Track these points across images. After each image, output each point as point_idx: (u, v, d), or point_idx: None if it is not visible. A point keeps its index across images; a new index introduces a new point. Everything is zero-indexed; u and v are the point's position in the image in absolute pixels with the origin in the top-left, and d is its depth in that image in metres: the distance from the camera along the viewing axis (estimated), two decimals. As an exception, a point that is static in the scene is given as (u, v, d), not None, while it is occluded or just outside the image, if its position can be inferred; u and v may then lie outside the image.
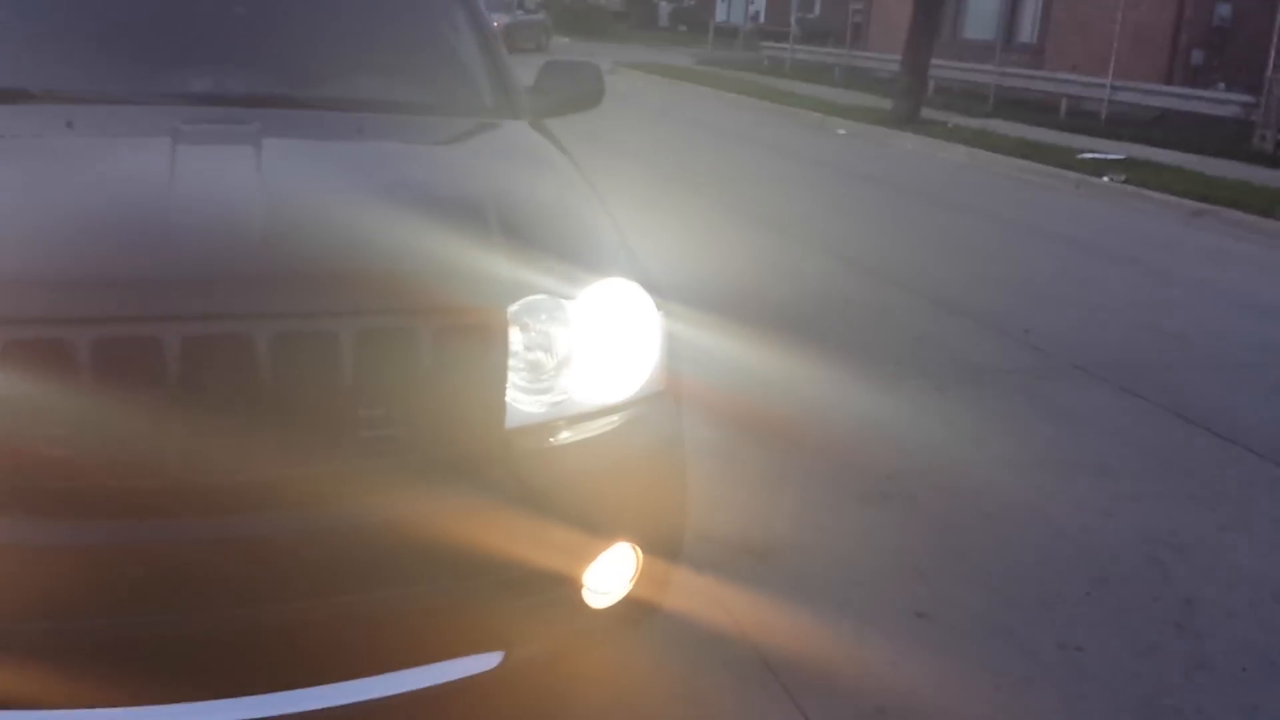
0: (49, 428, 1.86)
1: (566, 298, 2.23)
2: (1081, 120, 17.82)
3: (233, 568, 1.94)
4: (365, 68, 3.34)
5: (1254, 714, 2.73)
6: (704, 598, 3.00)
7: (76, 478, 1.88)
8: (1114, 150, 14.40)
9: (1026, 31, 22.04)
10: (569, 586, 2.24)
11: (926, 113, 17.38)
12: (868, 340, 5.67)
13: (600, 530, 2.24)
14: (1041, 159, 13.80)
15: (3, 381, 1.84)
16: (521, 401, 2.19)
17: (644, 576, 2.35)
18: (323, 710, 2.06)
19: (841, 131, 17.19)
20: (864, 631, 2.95)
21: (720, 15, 50.38)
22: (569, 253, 2.34)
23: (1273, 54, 14.39)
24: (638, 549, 2.32)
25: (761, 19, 48.83)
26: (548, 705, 2.58)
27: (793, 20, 32.16)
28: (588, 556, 2.24)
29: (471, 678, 2.17)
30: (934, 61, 17.95)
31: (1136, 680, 2.84)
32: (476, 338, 2.10)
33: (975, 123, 17.20)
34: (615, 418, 2.30)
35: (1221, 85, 17.17)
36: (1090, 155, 13.86)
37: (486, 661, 2.19)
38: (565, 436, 2.23)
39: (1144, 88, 17.33)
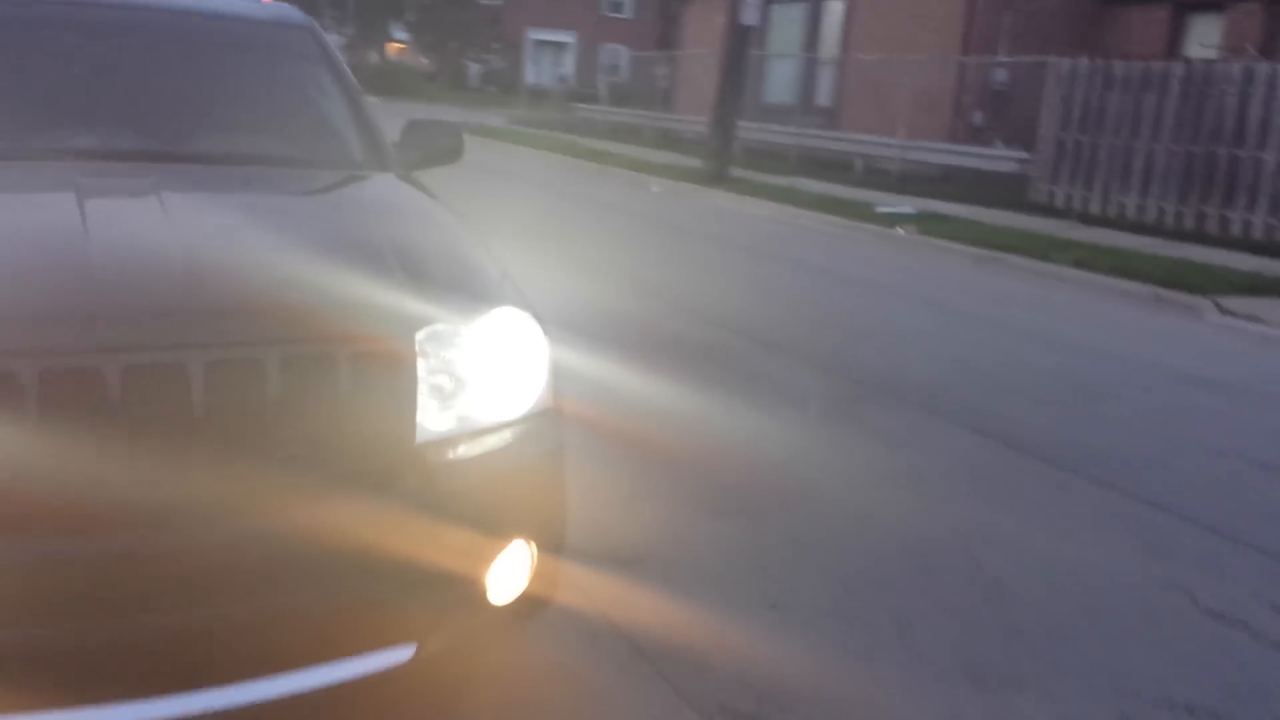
0: (14, 447, 2.02)
1: (464, 326, 2.52)
2: (876, 177, 19.07)
3: (166, 575, 2.13)
4: (242, 126, 3.56)
5: (1063, 670, 3.20)
6: (582, 597, 3.29)
7: (20, 498, 2.04)
8: (906, 204, 15.51)
9: (823, 96, 23.42)
10: (474, 584, 2.50)
11: (735, 171, 18.27)
12: (702, 373, 6.09)
13: (500, 530, 2.52)
14: (842, 213, 14.76)
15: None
16: (428, 419, 2.45)
17: (538, 573, 2.63)
18: (253, 704, 2.26)
19: (656, 189, 17.89)
20: (724, 623, 3.30)
21: (530, 77, 51.27)
22: (462, 286, 2.64)
23: (1043, 115, 15.83)
24: (532, 545, 2.60)
25: (571, 81, 50.01)
26: (451, 700, 2.81)
27: (600, 83, 33.16)
28: (490, 555, 2.51)
29: (388, 670, 2.41)
30: (739, 123, 18.89)
31: (960, 647, 3.28)
32: (388, 363, 2.37)
33: (780, 180, 18.19)
34: (510, 432, 2.59)
35: (999, 143, 18.70)
36: (886, 210, 14.90)
37: (401, 655, 2.43)
38: (467, 449, 2.50)
39: (931, 146, 18.72)
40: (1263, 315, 9.41)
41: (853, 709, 2.92)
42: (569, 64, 56.22)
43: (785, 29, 25.32)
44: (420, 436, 2.43)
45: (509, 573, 2.57)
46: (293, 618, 2.27)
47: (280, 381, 2.23)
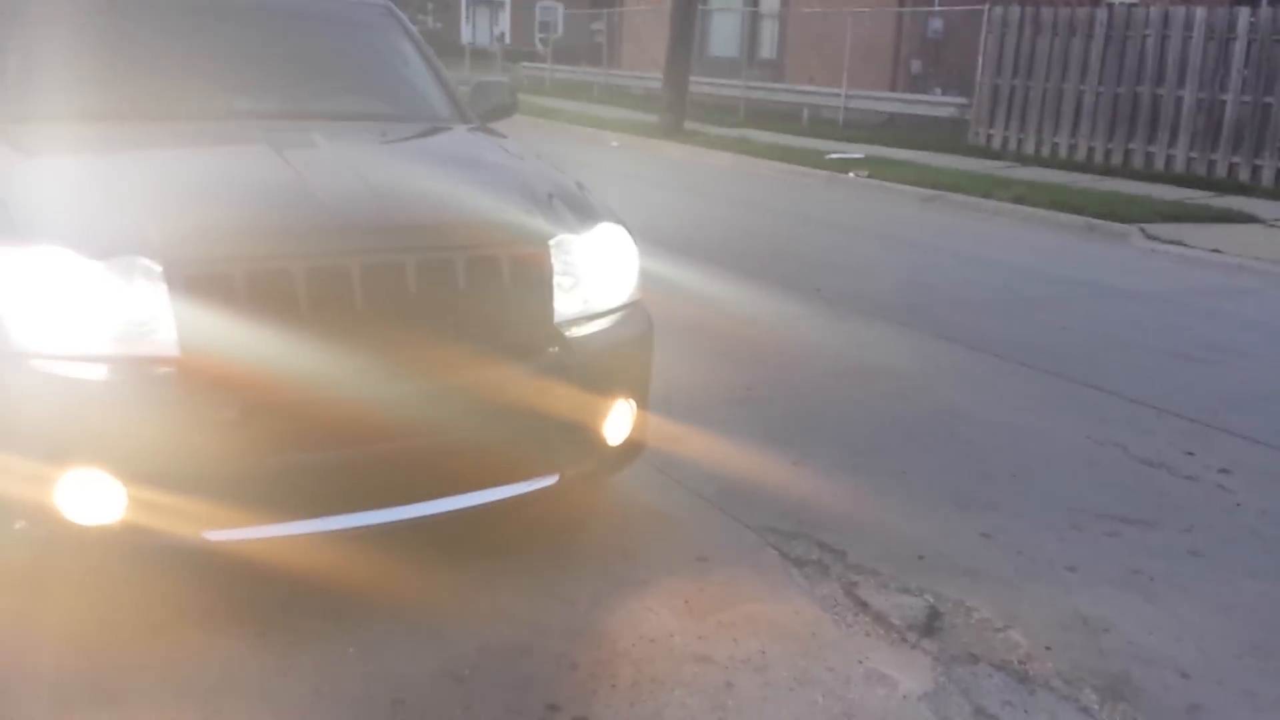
0: (290, 324, 2.82)
1: (580, 236, 3.34)
2: (822, 126, 19.97)
3: (395, 412, 2.94)
4: (352, 88, 4.35)
5: (1026, 498, 4.12)
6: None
7: (313, 350, 2.83)
8: (855, 150, 16.43)
9: (766, 49, 24.21)
10: (596, 430, 3.35)
11: (688, 124, 19.05)
12: (696, 295, 6.94)
13: (612, 389, 3.37)
14: (795, 160, 15.64)
15: (251, 298, 2.79)
16: (560, 305, 3.28)
17: (636, 424, 3.49)
18: (458, 510, 3.09)
19: (615, 144, 18.63)
20: (759, 476, 4.17)
21: (466, 36, 51.28)
22: (572, 206, 3.46)
23: (980, 62, 16.79)
24: (632, 402, 3.45)
25: (507, 40, 50.13)
26: (574, 521, 3.67)
27: (537, 40, 33.54)
28: (606, 408, 3.35)
29: (543, 489, 3.26)
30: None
31: (946, 486, 4.19)
32: (533, 263, 3.20)
33: (732, 132, 19.01)
34: (614, 316, 3.43)
35: (938, 90, 19.68)
36: (836, 155, 15.80)
37: (550, 481, 3.27)
38: (587, 328, 3.34)
39: (874, 95, 19.64)
40: (1184, 239, 10.45)
41: (870, 525, 3.81)
42: (504, 23, 56.19)
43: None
44: (556, 318, 3.26)
45: (618, 422, 3.41)
46: (479, 450, 3.10)
47: (464, 277, 3.05)
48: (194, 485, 2.78)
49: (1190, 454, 4.65)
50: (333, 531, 2.95)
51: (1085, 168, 14.86)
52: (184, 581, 3.11)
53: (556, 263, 3.27)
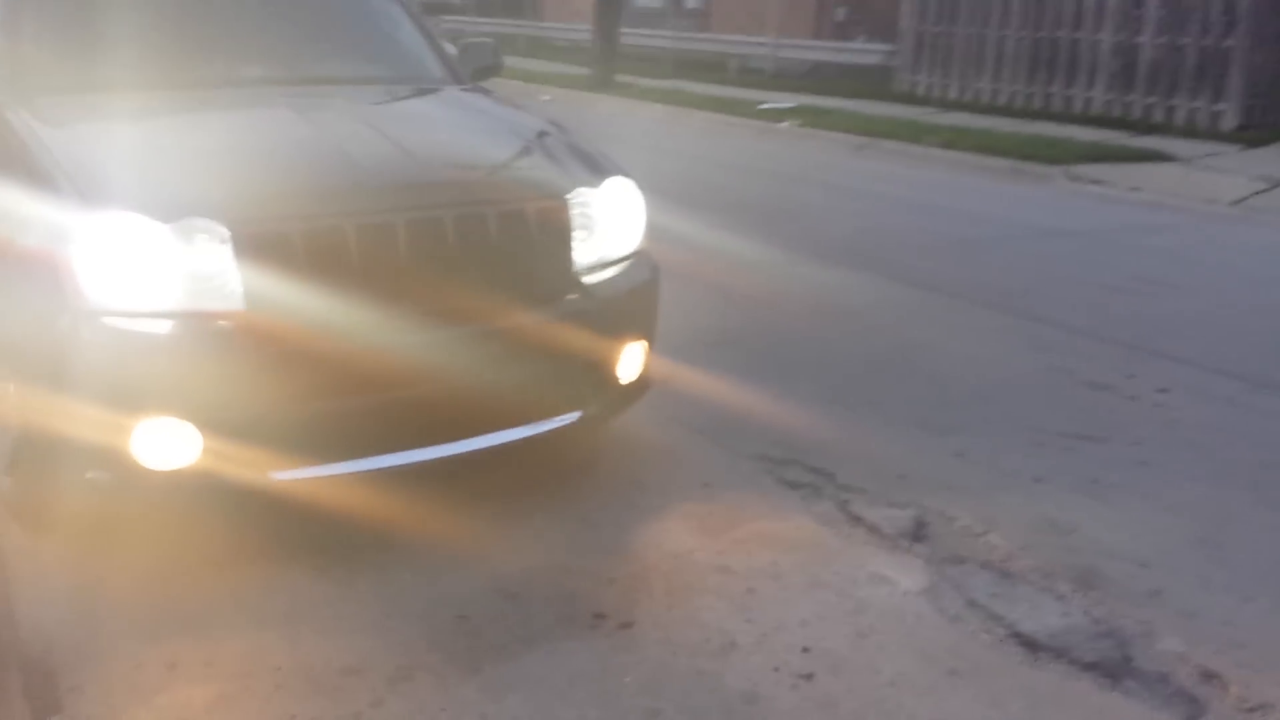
0: (342, 277, 3.06)
1: (594, 189, 3.62)
2: (750, 76, 20.22)
3: (436, 357, 3.21)
4: (355, 53, 4.56)
5: (986, 419, 4.51)
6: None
7: (363, 300, 3.08)
8: (785, 100, 16.73)
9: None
10: (611, 368, 3.65)
11: (619, 77, 19.18)
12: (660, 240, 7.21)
13: (626, 331, 3.67)
14: (728, 110, 15.91)
15: (307, 254, 3.03)
16: (578, 254, 3.56)
17: (645, 363, 3.79)
18: (493, 447, 3.38)
19: (546, 97, 18.69)
20: (745, 410, 4.51)
21: (382, -10, 50.38)
22: (584, 161, 3.74)
23: (904, 10, 17.16)
24: (644, 344, 3.76)
25: (425, -7, 49.35)
26: (590, 455, 3.97)
27: (457, -8, 33.19)
28: (620, 348, 3.66)
29: (566, 426, 3.55)
30: (618, 29, 19.75)
31: (914, 413, 4.57)
32: (555, 215, 3.47)
33: (663, 83, 19.19)
34: (626, 263, 3.72)
35: (863, 37, 20.03)
36: (768, 105, 16.11)
37: (572, 417, 3.57)
38: (603, 275, 3.63)
39: (800, 44, 19.94)
40: (1105, 179, 10.98)
41: (853, 450, 4.17)
42: (419, -27, 55.21)
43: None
44: (575, 266, 3.54)
45: (631, 362, 3.72)
46: (510, 390, 3.37)
47: (495, 228, 3.32)
48: (259, 429, 3.03)
49: (1131, 376, 5.09)
50: (384, 469, 3.22)
51: (1008, 112, 15.36)
52: (238, 524, 3.36)
53: (574, 215, 3.55)
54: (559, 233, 3.48)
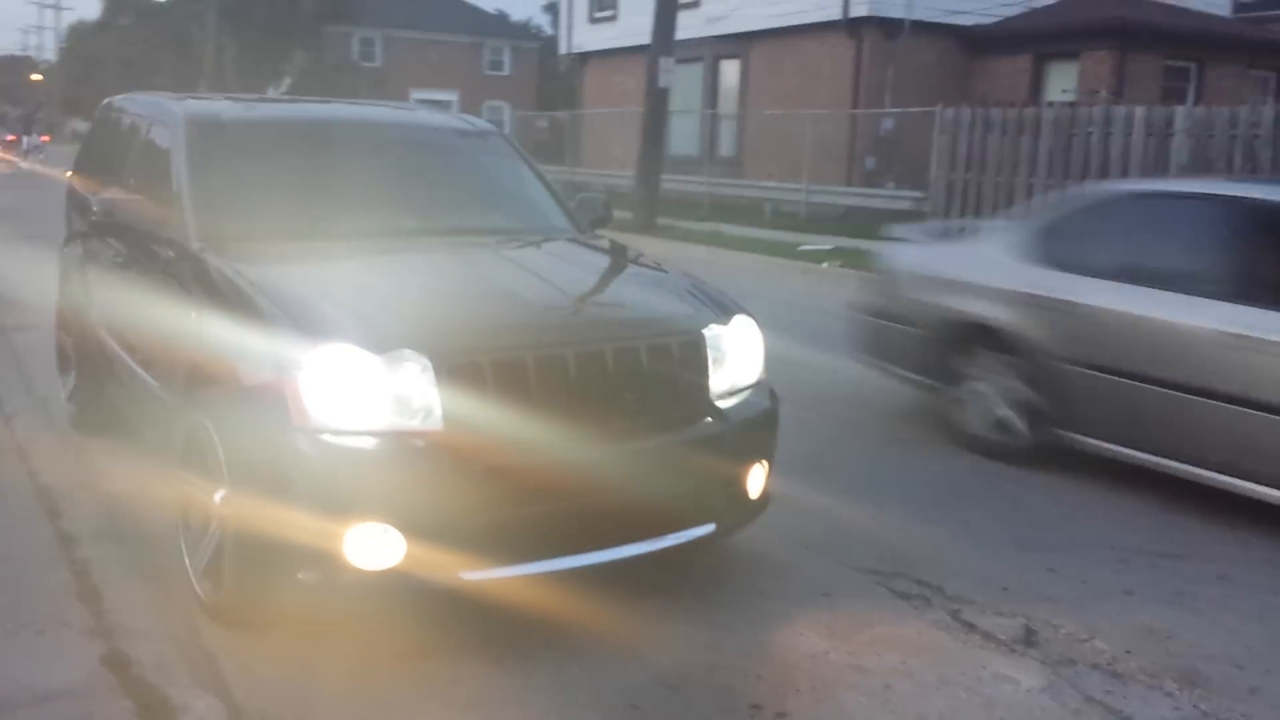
0: (523, 401, 3.50)
1: (724, 325, 4.08)
2: (784, 219, 21.04)
3: (599, 472, 3.62)
4: (494, 207, 5.08)
5: (1078, 541, 4.86)
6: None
7: (539, 421, 3.51)
8: (823, 243, 17.44)
9: (725, 147, 25.44)
10: (742, 485, 4.05)
11: (659, 219, 20.01)
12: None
13: (754, 453, 4.09)
14: (769, 252, 16.60)
15: (495, 381, 3.48)
16: (713, 383, 4.00)
17: (768, 483, 4.19)
18: (643, 555, 3.75)
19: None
20: (846, 527, 4.87)
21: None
22: (713, 300, 4.21)
23: (934, 158, 18.00)
24: (766, 464, 4.17)
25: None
26: (718, 564, 4.34)
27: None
28: (749, 467, 4.06)
29: (703, 536, 3.94)
30: (657, 175, 20.67)
31: (1005, 532, 4.92)
32: (695, 348, 3.92)
33: (703, 226, 20.01)
34: (751, 391, 4.16)
35: (891, 184, 20.89)
36: (807, 247, 16.80)
37: (709, 528, 3.96)
38: (734, 401, 4.06)
39: (833, 190, 20.81)
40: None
41: (954, 564, 4.52)
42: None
43: (685, 86, 27.25)
44: (710, 393, 3.98)
45: (757, 479, 4.12)
46: (658, 502, 3.77)
47: (646, 360, 3.77)
48: (451, 534, 3.43)
49: (1204, 499, 5.43)
50: (554, 572, 3.60)
51: (1039, 255, 15.96)
52: (426, 619, 3.72)
53: (709, 348, 4.00)
54: (697, 364, 3.93)
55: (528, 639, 3.68)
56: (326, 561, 3.41)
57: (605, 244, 4.95)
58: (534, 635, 3.70)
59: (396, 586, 3.45)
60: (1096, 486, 5.66)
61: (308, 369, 3.39)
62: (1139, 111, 15.14)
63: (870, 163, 21.59)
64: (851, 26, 21.58)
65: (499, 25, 63.20)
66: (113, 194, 4.74)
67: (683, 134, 26.82)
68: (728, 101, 25.97)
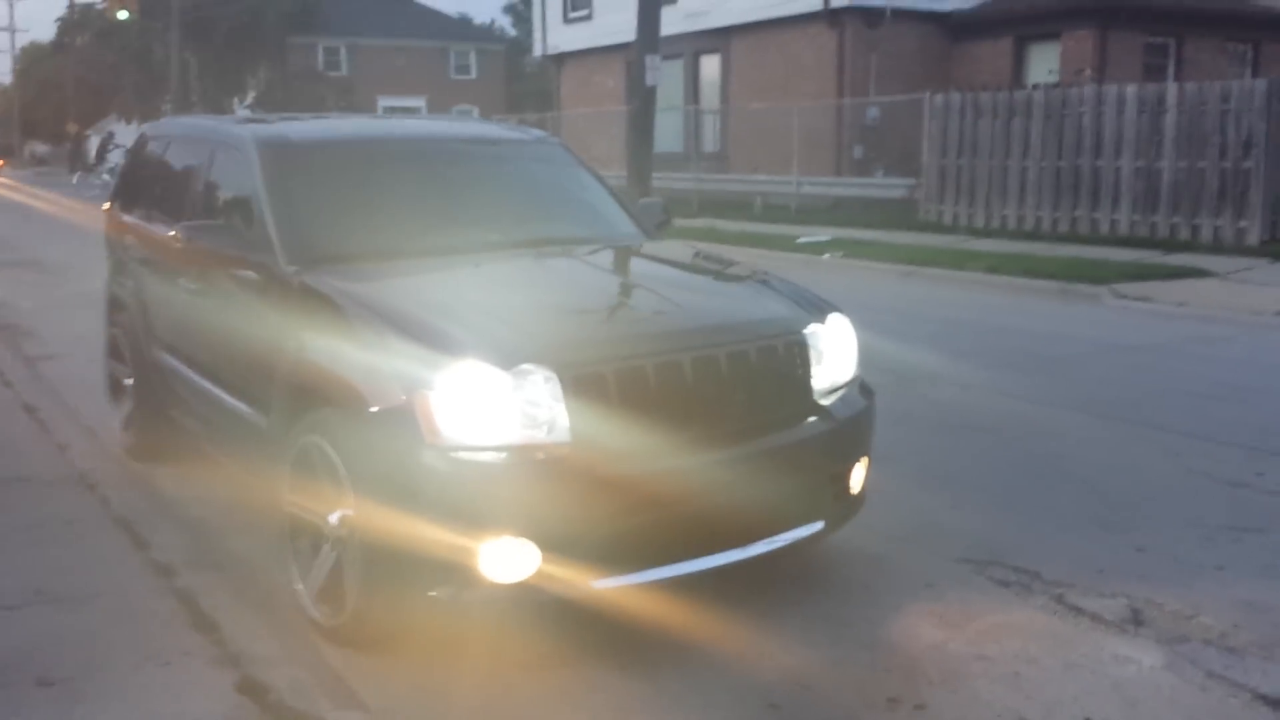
0: (645, 408, 3.53)
1: (822, 324, 4.12)
2: (775, 212, 21.13)
3: (720, 475, 3.65)
4: (568, 216, 5.11)
5: (1159, 520, 4.93)
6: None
7: (660, 427, 3.55)
8: (820, 234, 17.53)
9: (710, 142, 25.49)
10: (847, 480, 4.10)
11: (653, 217, 20.02)
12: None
13: (858, 448, 4.13)
14: (768, 246, 16.66)
15: (618, 391, 3.51)
16: (815, 380, 4.05)
17: (867, 478, 4.24)
18: (765, 553, 3.80)
19: (586, 240, 19.51)
20: (930, 518, 4.93)
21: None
22: (808, 300, 4.25)
23: (925, 144, 18.12)
24: (866, 460, 4.22)
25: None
26: (820, 559, 4.38)
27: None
28: (853, 463, 4.12)
29: (815, 533, 3.98)
30: (645, 173, 20.69)
31: (1086, 514, 5.00)
32: (799, 348, 3.97)
33: (696, 222, 20.06)
34: (850, 387, 4.21)
35: (880, 172, 21.02)
36: (806, 240, 16.88)
37: (818, 525, 4.00)
38: (835, 398, 4.10)
39: (823, 181, 20.91)
40: (1150, 295, 11.59)
41: (1044, 549, 4.58)
42: (425, 127, 56.97)
43: (666, 83, 27.24)
44: (814, 391, 4.02)
45: (859, 475, 4.18)
46: (775, 500, 3.81)
47: (755, 361, 3.81)
48: (582, 544, 3.46)
49: (1261, 474, 5.53)
50: (680, 576, 3.63)
51: (1035, 236, 16.12)
52: (538, 633, 3.75)
53: (811, 347, 4.04)
54: (802, 363, 3.98)
55: (650, 647, 3.71)
56: (461, 577, 3.43)
57: (685, 248, 4.99)
58: (654, 643, 3.72)
59: (529, 599, 3.48)
60: (1163, 464, 5.75)
61: (438, 387, 3.41)
62: (1130, 90, 15.31)
63: (858, 152, 21.70)
64: (833, 16, 21.68)
65: (463, 29, 63.00)
66: (188, 222, 4.72)
67: (666, 131, 26.77)
68: (710, 96, 26.02)
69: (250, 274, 4.48)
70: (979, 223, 17.32)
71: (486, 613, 3.57)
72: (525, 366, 3.45)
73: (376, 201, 4.73)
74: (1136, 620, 3.94)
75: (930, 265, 14.09)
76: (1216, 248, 14.12)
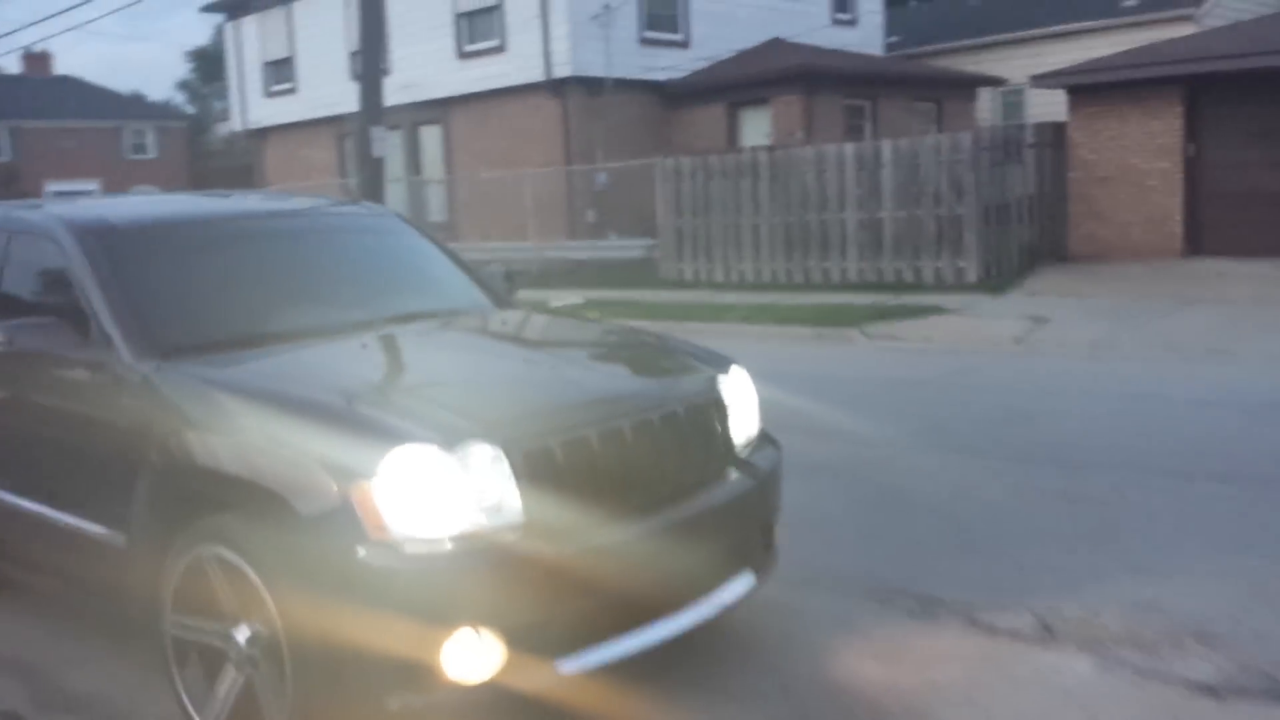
0: (589, 477, 3.39)
1: (726, 376, 4.11)
2: (518, 279, 21.11)
3: (668, 538, 3.55)
4: (428, 290, 4.85)
5: (1015, 540, 5.21)
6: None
7: (611, 500, 3.41)
8: (570, 296, 17.66)
9: (436, 212, 25.26)
10: (771, 533, 4.10)
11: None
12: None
13: (776, 498, 4.15)
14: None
15: (565, 462, 3.35)
16: (733, 434, 4.02)
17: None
18: (711, 615, 3.71)
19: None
20: (811, 562, 5.00)
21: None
22: (706, 356, 4.23)
23: (659, 206, 18.71)
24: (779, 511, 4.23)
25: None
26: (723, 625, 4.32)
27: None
28: (774, 516, 4.12)
29: (749, 588, 3.93)
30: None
31: (943, 537, 5.22)
32: (717, 403, 3.94)
33: (439, 294, 19.73)
34: (758, 440, 4.21)
35: (613, 234, 21.51)
36: (559, 304, 16.95)
37: (750, 580, 3.95)
38: (751, 448, 4.10)
39: (563, 245, 21.14)
40: (897, 335, 12.42)
41: (930, 576, 4.74)
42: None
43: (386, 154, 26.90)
44: (734, 446, 4.00)
45: (777, 528, 4.18)
46: (711, 557, 3.75)
47: (685, 421, 3.76)
48: (547, 627, 3.27)
49: (1083, 486, 5.98)
50: (645, 646, 3.49)
51: (773, 287, 16.94)
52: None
53: (725, 402, 4.02)
54: (721, 418, 3.95)
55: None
56: (422, 681, 3.15)
57: (554, 317, 4.87)
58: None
59: (494, 696, 3.23)
60: (996, 484, 6.10)
61: (380, 475, 3.13)
62: (849, 148, 16.44)
63: (591, 216, 22.10)
64: (555, 87, 22.09)
65: (137, 107, 59.40)
66: (9, 321, 4.12)
67: (392, 202, 26.41)
68: (433, 166, 25.85)
69: (88, 375, 3.97)
70: (719, 278, 18.01)
71: (451, 716, 3.28)
72: (470, 445, 3.23)
73: (222, 285, 4.35)
74: (1049, 631, 4.14)
75: (688, 320, 14.46)
76: (939, 286, 15.31)
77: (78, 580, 4.23)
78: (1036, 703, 3.60)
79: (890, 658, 3.98)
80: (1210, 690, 3.61)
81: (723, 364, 4.20)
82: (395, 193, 26.20)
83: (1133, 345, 10.76)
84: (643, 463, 3.58)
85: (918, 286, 15.59)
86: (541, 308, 5.14)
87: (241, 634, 3.39)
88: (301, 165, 28.77)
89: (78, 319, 4.04)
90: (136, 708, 3.94)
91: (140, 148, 56.99)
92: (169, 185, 50.65)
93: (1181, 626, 4.10)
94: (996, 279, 15.21)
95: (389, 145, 19.52)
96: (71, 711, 3.94)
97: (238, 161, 45.10)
